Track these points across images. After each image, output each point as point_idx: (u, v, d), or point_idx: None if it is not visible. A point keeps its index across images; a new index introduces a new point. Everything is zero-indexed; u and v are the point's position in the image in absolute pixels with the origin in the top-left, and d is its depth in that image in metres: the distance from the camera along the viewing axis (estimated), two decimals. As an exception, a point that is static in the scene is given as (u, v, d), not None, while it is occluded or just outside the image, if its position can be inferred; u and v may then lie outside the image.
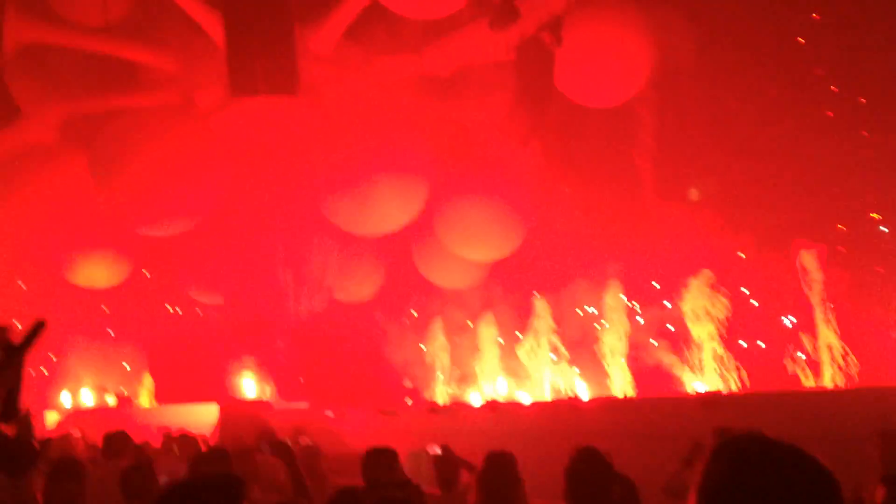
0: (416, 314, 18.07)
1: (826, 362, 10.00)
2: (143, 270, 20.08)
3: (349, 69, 16.38)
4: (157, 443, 9.08)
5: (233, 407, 13.69)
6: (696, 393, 8.14)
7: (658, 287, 17.68)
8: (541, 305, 13.72)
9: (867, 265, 15.65)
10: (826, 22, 18.47)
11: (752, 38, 18.54)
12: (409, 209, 15.78)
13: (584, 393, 12.17)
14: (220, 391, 15.77)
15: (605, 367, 12.65)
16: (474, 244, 17.22)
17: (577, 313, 16.02)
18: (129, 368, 19.20)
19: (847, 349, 9.82)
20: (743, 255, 17.82)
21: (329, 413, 13.07)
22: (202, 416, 13.62)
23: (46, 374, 19.57)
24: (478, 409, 11.07)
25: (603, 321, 13.44)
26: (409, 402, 15.03)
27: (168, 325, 20.43)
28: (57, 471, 3.48)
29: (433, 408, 11.58)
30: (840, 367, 9.81)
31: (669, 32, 16.85)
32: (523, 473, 4.82)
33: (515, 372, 14.43)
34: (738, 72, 19.14)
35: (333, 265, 18.04)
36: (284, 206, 17.04)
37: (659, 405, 9.14)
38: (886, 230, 16.67)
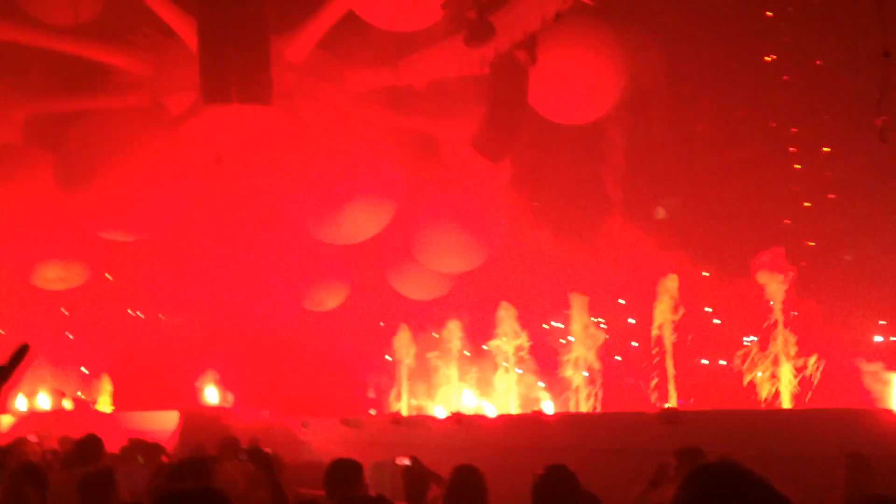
0: (382, 324, 18.04)
1: (787, 381, 10.18)
2: (106, 274, 19.78)
3: (323, 79, 16.36)
4: (115, 448, 8.93)
5: (193, 414, 13.52)
6: (658, 409, 8.24)
7: (623, 303, 17.90)
8: (507, 318, 13.79)
9: (832, 285, 16.02)
10: (794, 45, 18.96)
11: (720, 61, 18.95)
12: (379, 220, 15.78)
13: (549, 407, 12.24)
14: (181, 397, 15.57)
15: (570, 381, 12.74)
16: (442, 256, 17.28)
17: (543, 327, 16.14)
18: (87, 372, 18.88)
19: (809, 369, 10.03)
20: (707, 274, 18.12)
21: (306, 424, 12.96)
22: (162, 422, 13.44)
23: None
24: (442, 420, 11.06)
25: (569, 336, 13.54)
26: (373, 412, 14.98)
27: (130, 330, 20.15)
28: (18, 476, 3.41)
29: (397, 419, 11.55)
30: (801, 387, 10.00)
31: (640, 53, 17.14)
32: (488, 487, 4.84)
33: (481, 384, 14.47)
34: (706, 93, 19.56)
35: (301, 273, 17.96)
36: (253, 214, 16.93)
37: (621, 420, 9.23)
38: (850, 258, 17.10)
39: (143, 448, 7.34)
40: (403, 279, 18.32)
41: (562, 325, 14.87)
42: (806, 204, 18.05)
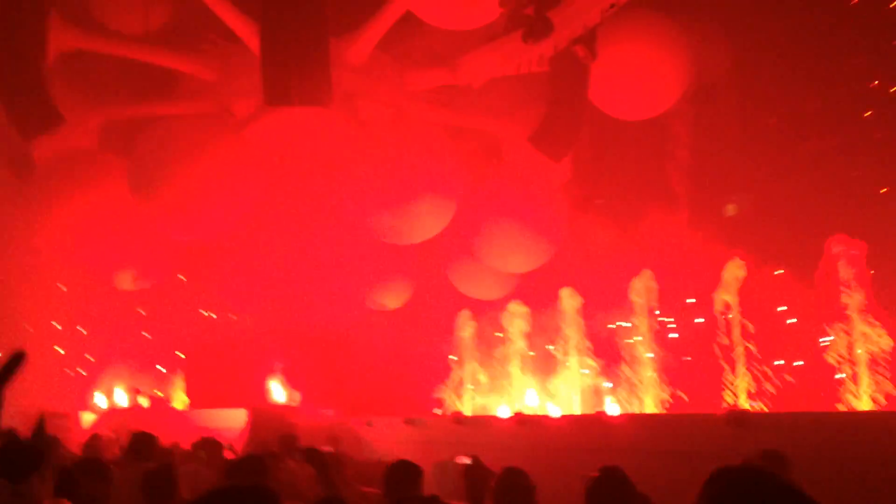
0: (446, 324, 18.06)
1: (865, 383, 9.77)
2: (180, 276, 20.39)
3: (382, 80, 16.48)
4: (187, 444, 9.17)
5: (261, 412, 13.80)
6: (726, 411, 8.00)
7: (693, 302, 17.46)
8: (572, 318, 13.63)
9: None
10: (867, 34, 18.16)
11: (789, 52, 18.29)
12: (441, 219, 15.81)
13: (614, 408, 12.04)
14: (250, 395, 15.91)
15: (636, 382, 12.51)
16: (506, 255, 17.20)
17: (609, 327, 15.88)
18: (163, 371, 19.47)
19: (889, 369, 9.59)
20: (780, 272, 17.52)
21: (370, 423, 13.10)
22: (232, 420, 13.76)
23: (84, 374, 19.95)
24: (505, 420, 11.00)
25: (636, 336, 13.29)
26: (438, 412, 15.00)
27: (202, 329, 20.70)
28: (83, 470, 3.54)
29: (459, 418, 11.53)
30: (879, 388, 9.58)
31: (705, 45, 16.71)
32: (547, 488, 4.77)
33: (546, 384, 14.34)
34: (775, 85, 18.90)
35: (365, 274, 18.14)
36: (317, 215, 17.18)
37: (687, 422, 9.00)
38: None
39: (207, 445, 7.51)
40: (466, 278, 18.31)
41: (629, 325, 14.61)
42: (882, 190, 17.23)
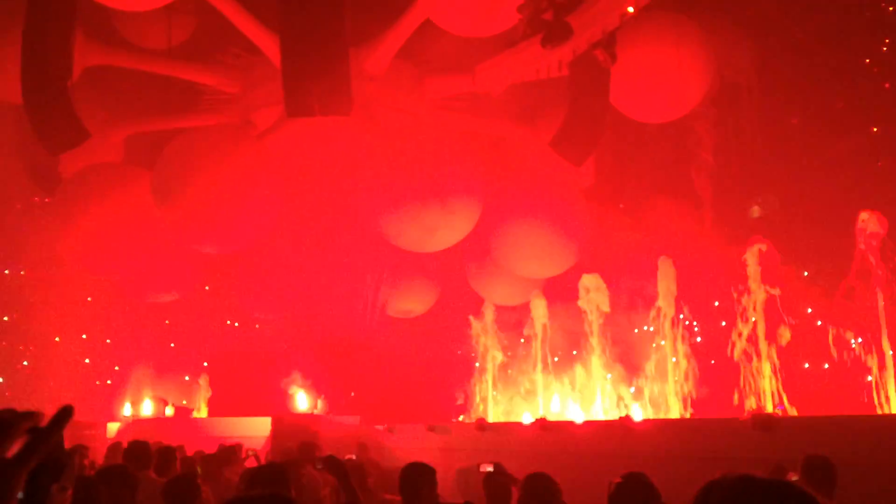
0: (468, 330, 18.03)
1: (894, 385, 9.58)
2: (205, 287, 20.61)
3: (402, 88, 16.53)
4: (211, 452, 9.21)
5: (284, 420, 13.85)
6: (751, 415, 7.88)
7: (717, 305, 17.27)
8: (596, 323, 13.54)
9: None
10: (892, 33, 17.91)
11: (813, 51, 18.07)
12: (463, 227, 15.80)
13: (638, 413, 11.92)
14: (273, 404, 15.98)
15: (660, 386, 12.39)
16: (528, 261, 17.14)
17: (633, 332, 15.75)
18: (188, 380, 19.63)
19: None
20: (807, 274, 17.29)
21: (392, 430, 13.11)
22: (256, 428, 13.82)
23: (110, 384, 20.18)
24: (528, 426, 10.93)
25: (661, 341, 13.17)
26: (461, 418, 14.96)
27: (226, 339, 20.87)
28: (108, 477, 3.57)
29: (482, 425, 11.48)
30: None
31: (728, 46, 16.56)
32: (571, 494, 4.74)
33: (569, 390, 14.25)
34: (800, 86, 18.67)
35: (387, 282, 18.18)
36: (339, 224, 17.25)
37: (713, 426, 8.89)
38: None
39: (206, 460, 7.48)
40: (489, 285, 18.27)
41: (652, 329, 14.48)
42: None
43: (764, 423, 7.61)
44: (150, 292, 18.51)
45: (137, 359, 19.70)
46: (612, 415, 12.18)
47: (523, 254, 17.06)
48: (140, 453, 5.65)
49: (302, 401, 15.83)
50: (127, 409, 17.95)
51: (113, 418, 17.57)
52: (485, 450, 10.19)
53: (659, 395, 12.27)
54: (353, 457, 8.09)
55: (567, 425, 10.70)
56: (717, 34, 16.35)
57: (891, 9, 18.30)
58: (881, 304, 9.45)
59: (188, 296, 19.51)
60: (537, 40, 12.58)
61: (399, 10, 15.15)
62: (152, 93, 17.62)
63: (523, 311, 15.28)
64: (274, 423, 13.53)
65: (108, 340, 21.16)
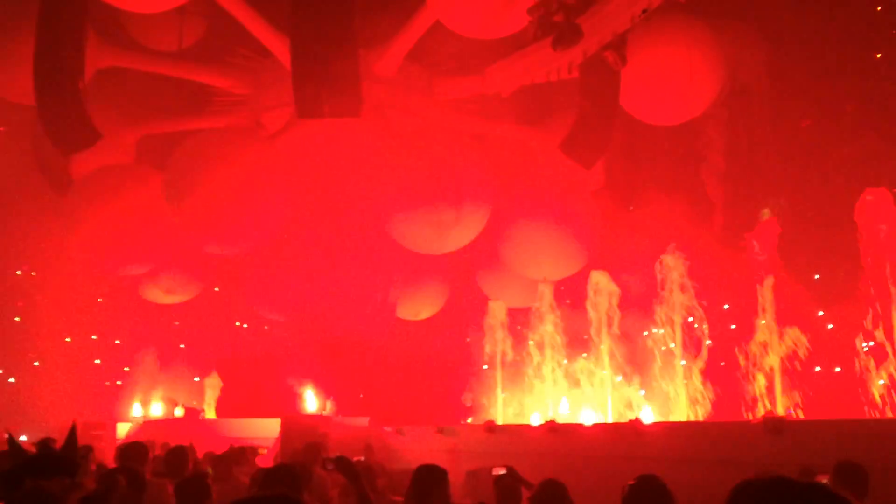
0: (477, 332, 18.03)
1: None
2: (215, 288, 20.66)
3: (412, 90, 16.55)
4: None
5: (293, 421, 13.86)
6: (763, 418, 7.83)
7: (727, 308, 17.19)
8: (604, 323, 13.51)
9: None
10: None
11: (825, 53, 17.98)
12: (473, 229, 15.79)
13: (648, 415, 11.88)
14: (283, 405, 16.01)
15: (670, 389, 12.34)
16: (537, 263, 17.11)
17: (643, 334, 15.70)
18: (197, 380, 19.68)
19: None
20: (818, 277, 17.19)
21: (402, 432, 13.12)
22: (265, 429, 13.84)
23: (120, 385, 20.26)
24: (537, 428, 10.91)
25: (671, 344, 13.13)
26: (470, 420, 14.95)
27: (235, 340, 20.92)
28: (116, 478, 3.58)
29: (491, 427, 11.46)
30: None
31: (739, 48, 16.50)
32: (581, 496, 4.72)
33: (578, 393, 14.21)
34: (812, 87, 18.58)
35: (397, 283, 18.18)
36: (349, 225, 17.27)
37: (724, 429, 8.85)
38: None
39: (213, 460, 7.46)
40: (499, 287, 18.25)
41: (661, 332, 14.44)
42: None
43: (775, 426, 7.57)
44: (157, 292, 18.54)
45: (147, 360, 19.77)
46: (622, 417, 12.14)
47: (533, 256, 17.04)
48: (135, 454, 5.63)
49: (311, 402, 15.85)
50: (137, 410, 18.01)
51: (123, 419, 17.64)
52: (494, 452, 10.17)
53: (668, 398, 12.22)
54: (363, 458, 8.08)
55: (576, 427, 10.67)
56: (728, 36, 16.29)
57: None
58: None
59: (197, 297, 19.57)
60: (548, 42, 12.57)
61: (409, 12, 15.17)
62: (163, 94, 17.70)
63: (533, 313, 15.24)
64: (283, 425, 13.55)
65: (117, 341, 21.24)
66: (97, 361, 21.06)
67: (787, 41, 18.04)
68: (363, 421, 14.78)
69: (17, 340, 20.96)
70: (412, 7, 15.06)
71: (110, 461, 8.86)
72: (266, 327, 21.48)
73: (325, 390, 16.34)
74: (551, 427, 10.34)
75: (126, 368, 20.65)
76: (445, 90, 17.08)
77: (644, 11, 11.88)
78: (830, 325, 16.25)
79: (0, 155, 18.91)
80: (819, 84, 18.44)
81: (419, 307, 18.77)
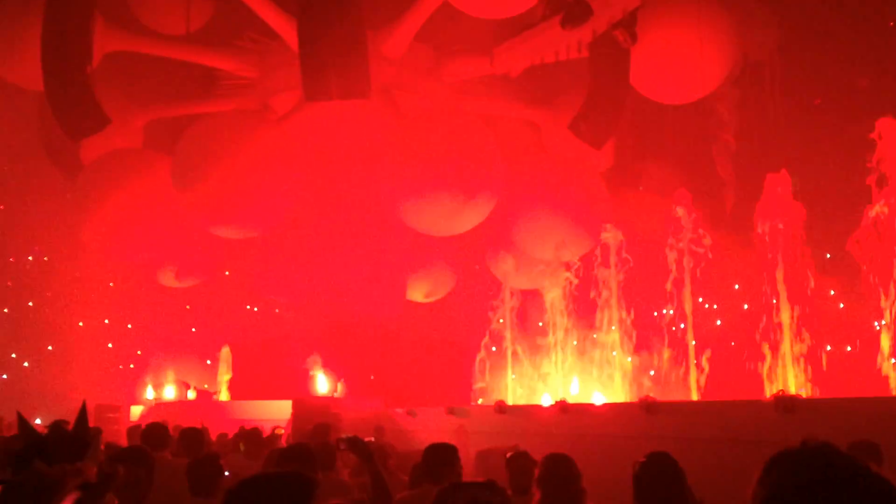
0: (488, 313, 18.04)
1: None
2: (225, 272, 20.74)
3: (420, 71, 16.45)
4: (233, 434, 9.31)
5: (305, 403, 13.94)
6: (774, 397, 7.80)
7: (737, 288, 17.14)
8: (616, 306, 13.49)
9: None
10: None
11: (839, 31, 17.75)
12: (482, 210, 15.75)
13: (658, 395, 11.87)
14: (294, 387, 16.11)
15: (681, 368, 12.33)
16: (547, 245, 17.06)
17: (653, 315, 15.67)
18: (209, 363, 19.82)
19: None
20: (829, 256, 17.07)
21: (413, 413, 13.18)
22: (277, 411, 13.94)
23: (133, 368, 20.42)
24: (548, 408, 10.92)
25: (680, 324, 13.10)
26: (480, 401, 14.99)
27: (247, 323, 21.02)
28: (123, 457, 3.62)
29: (502, 407, 11.49)
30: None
31: (750, 25, 16.31)
32: (592, 476, 4.71)
33: (589, 372, 14.22)
34: (825, 65, 18.37)
35: (407, 266, 18.19)
36: (359, 208, 17.26)
37: (735, 408, 8.83)
38: None
39: (248, 436, 7.59)
40: (507, 269, 18.22)
41: (671, 312, 14.41)
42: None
43: (787, 404, 7.54)
44: (160, 270, 18.60)
45: (159, 343, 19.91)
46: (633, 397, 12.14)
47: (542, 238, 16.98)
48: (157, 435, 5.70)
49: (322, 384, 15.93)
50: (150, 393, 18.16)
51: (136, 402, 17.79)
52: (504, 432, 10.20)
53: (680, 377, 12.21)
54: (373, 439, 8.11)
55: (587, 407, 10.68)
56: (739, 13, 16.10)
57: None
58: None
59: (208, 281, 19.65)
60: (556, 21, 12.47)
61: (416, -8, 15.07)
62: (171, 78, 17.68)
63: (543, 294, 15.22)
64: (294, 406, 13.64)
65: (129, 325, 21.38)
66: (110, 345, 21.22)
67: (799, 18, 17.82)
68: (374, 402, 14.85)
69: (30, 325, 21.13)
70: (420, -13, 14.96)
71: (123, 443, 8.94)
72: (277, 310, 21.57)
73: (337, 372, 16.42)
74: (562, 407, 10.35)
75: (138, 352, 20.81)
76: (454, 71, 16.98)
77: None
78: (842, 305, 16.19)
79: (9, 140, 18.97)
80: (831, 62, 18.23)
81: (429, 289, 18.77)
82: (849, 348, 15.11)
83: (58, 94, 14.88)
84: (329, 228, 17.45)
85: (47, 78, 14.68)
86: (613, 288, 13.35)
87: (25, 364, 21.50)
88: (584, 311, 14.48)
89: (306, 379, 16.19)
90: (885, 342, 9.58)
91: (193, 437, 6.14)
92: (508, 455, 5.76)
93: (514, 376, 14.90)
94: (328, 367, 16.40)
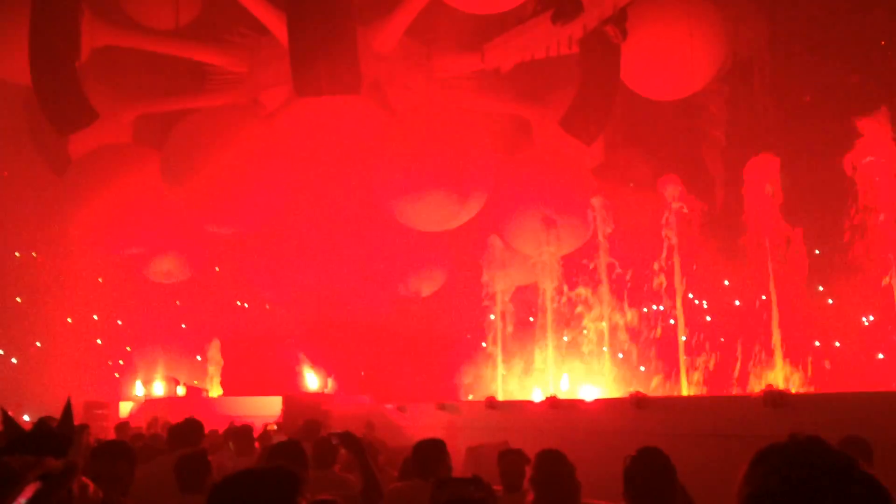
0: (478, 309, 18.04)
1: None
2: (216, 268, 20.67)
3: (411, 67, 16.41)
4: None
5: (295, 399, 13.92)
6: (763, 392, 7.84)
7: (727, 284, 17.20)
8: (606, 301, 13.51)
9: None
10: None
11: (828, 27, 17.82)
12: (473, 206, 15.74)
13: (647, 390, 11.91)
14: (284, 383, 16.08)
15: (671, 364, 12.37)
16: (537, 240, 17.07)
17: (643, 311, 15.71)
18: (199, 359, 19.76)
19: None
20: (818, 252, 17.15)
21: (403, 409, 13.18)
22: (267, 407, 13.90)
23: (122, 364, 20.32)
24: (538, 404, 10.94)
25: (670, 320, 13.14)
26: (470, 397, 15.01)
27: (237, 319, 20.97)
28: (105, 452, 3.59)
29: (492, 403, 11.49)
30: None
31: (739, 22, 16.35)
32: (582, 471, 4.72)
33: (580, 368, 14.26)
34: (813, 62, 18.44)
35: (398, 261, 18.16)
36: (349, 204, 17.23)
37: (724, 403, 8.86)
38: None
39: (237, 433, 7.55)
40: (498, 263, 18.22)
41: (662, 308, 14.45)
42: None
43: (776, 399, 7.57)
44: (156, 271, 18.54)
45: (149, 339, 19.82)
46: (623, 393, 12.17)
47: (532, 233, 16.99)
48: (189, 431, 5.55)
49: (312, 380, 15.91)
50: (139, 389, 18.09)
51: (125, 398, 17.71)
52: (495, 428, 10.21)
53: (669, 372, 12.25)
54: (363, 435, 8.11)
55: (577, 403, 10.70)
56: (729, 10, 16.14)
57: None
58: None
59: (198, 277, 19.58)
60: (547, 17, 12.45)
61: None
62: (160, 73, 17.59)
63: (533, 290, 15.25)
64: (284, 402, 13.61)
65: (119, 321, 21.28)
66: (98, 341, 21.11)
67: (788, 15, 17.88)
68: (364, 399, 14.83)
69: (18, 321, 21.00)
70: (410, -18, 14.92)
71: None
72: (267, 306, 21.52)
73: (327, 368, 16.39)
74: (552, 403, 10.37)
75: (128, 348, 20.72)
76: (444, 66, 16.95)
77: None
78: (830, 301, 16.28)
79: (-2, 136, 18.84)
80: (821, 58, 18.30)
81: (420, 285, 18.75)
82: (837, 343, 15.19)
83: (46, 88, 14.77)
84: (320, 224, 17.41)
85: (35, 72, 14.56)
86: (604, 283, 13.38)
87: (13, 360, 21.36)
88: (574, 306, 14.50)
89: (296, 375, 16.17)
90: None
91: (182, 433, 6.04)
92: (500, 451, 5.75)
93: (504, 372, 14.91)
94: (318, 363, 16.38)
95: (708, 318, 14.93)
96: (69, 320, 21.09)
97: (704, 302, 17.01)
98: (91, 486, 2.19)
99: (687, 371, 11.94)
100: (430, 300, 19.05)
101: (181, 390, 17.73)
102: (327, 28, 13.19)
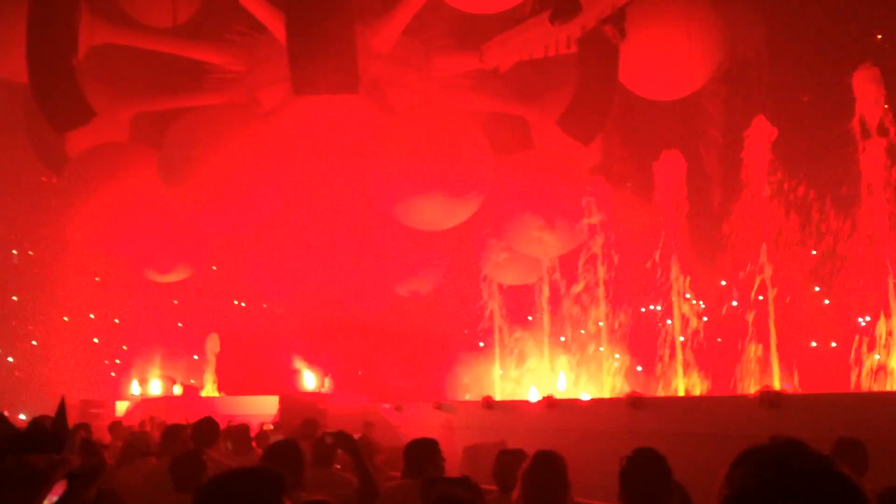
0: (476, 309, 18.04)
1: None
2: (213, 266, 20.66)
3: (410, 66, 16.41)
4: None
5: (292, 398, 13.91)
6: (759, 392, 7.85)
7: (724, 284, 17.20)
8: (603, 301, 13.52)
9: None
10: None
11: (826, 27, 17.84)
12: (471, 206, 15.74)
13: (643, 390, 11.92)
14: (281, 382, 16.07)
15: (667, 364, 12.38)
16: (535, 240, 17.08)
17: (640, 311, 15.72)
18: (196, 359, 19.74)
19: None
20: (815, 252, 17.17)
21: (400, 408, 13.18)
22: (264, 407, 13.89)
23: (119, 363, 20.30)
24: (535, 404, 10.94)
25: (667, 320, 13.15)
26: (467, 396, 15.01)
27: (234, 319, 20.97)
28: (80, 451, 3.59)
29: (489, 403, 11.50)
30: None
31: (738, 23, 16.37)
32: (578, 471, 4.71)
33: (576, 368, 14.26)
34: (811, 62, 18.45)
35: (395, 261, 18.16)
36: (347, 203, 17.22)
37: (720, 404, 8.88)
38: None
39: (234, 433, 7.54)
40: (497, 264, 18.22)
41: (659, 308, 14.46)
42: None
43: (772, 400, 7.58)
44: (156, 272, 18.54)
45: (145, 338, 19.81)
46: (620, 393, 12.18)
47: (530, 233, 17.00)
48: (208, 431, 5.55)
49: (309, 379, 15.90)
50: (135, 388, 18.06)
51: (121, 397, 17.68)
52: (492, 428, 10.21)
53: (665, 373, 12.26)
54: (360, 435, 8.11)
55: (574, 403, 10.71)
56: (727, 10, 16.15)
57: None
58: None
59: (195, 276, 19.56)
60: (546, 17, 12.45)
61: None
62: (158, 72, 17.56)
63: (531, 290, 15.25)
64: (281, 402, 13.60)
65: (116, 320, 21.27)
66: (95, 340, 21.10)
67: (785, 15, 17.89)
68: (361, 398, 14.82)
69: (14, 320, 20.99)
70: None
71: (107, 439, 8.88)
72: (265, 305, 21.51)
73: (324, 368, 16.38)
74: (549, 402, 10.37)
75: (124, 347, 20.71)
76: (442, 66, 16.95)
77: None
78: (827, 301, 16.29)
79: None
80: (819, 58, 18.31)
81: (417, 284, 18.75)
82: (833, 344, 15.21)
83: (43, 86, 14.73)
84: (317, 223, 17.40)
85: (32, 70, 14.53)
86: (601, 283, 13.38)
87: (10, 359, 21.34)
88: (571, 306, 14.51)
89: (293, 374, 16.16)
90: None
91: (174, 434, 6.05)
92: (498, 451, 5.74)
93: (501, 372, 14.91)
94: (315, 362, 16.37)
95: (705, 319, 14.92)
96: (66, 319, 21.07)
97: (701, 302, 17.02)
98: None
99: (683, 371, 11.95)
100: (427, 299, 19.05)
101: (178, 389, 17.71)
102: (325, 27, 13.18)
